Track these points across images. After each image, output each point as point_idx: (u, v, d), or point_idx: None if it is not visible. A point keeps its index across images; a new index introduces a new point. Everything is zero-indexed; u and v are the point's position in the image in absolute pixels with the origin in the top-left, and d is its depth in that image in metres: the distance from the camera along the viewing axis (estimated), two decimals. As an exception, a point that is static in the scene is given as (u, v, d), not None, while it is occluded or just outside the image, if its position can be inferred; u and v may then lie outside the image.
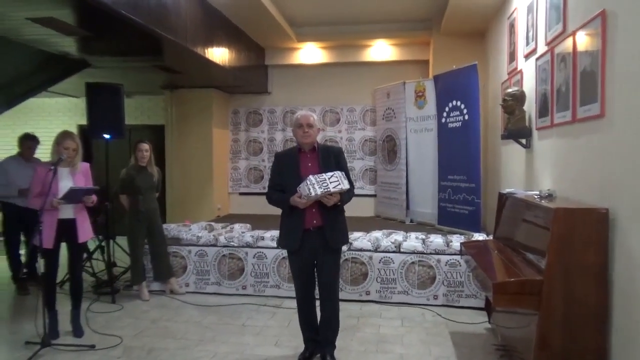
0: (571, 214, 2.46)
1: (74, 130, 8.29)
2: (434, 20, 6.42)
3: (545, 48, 3.56)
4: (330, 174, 3.00)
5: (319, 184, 2.95)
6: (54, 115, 8.70)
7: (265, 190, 3.38)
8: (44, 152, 5.10)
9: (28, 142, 5.06)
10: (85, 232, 3.84)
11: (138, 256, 4.77)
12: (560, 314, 2.41)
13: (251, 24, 6.25)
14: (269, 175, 3.42)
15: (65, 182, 3.67)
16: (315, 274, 3.24)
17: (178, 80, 6.84)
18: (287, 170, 3.18)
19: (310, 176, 2.98)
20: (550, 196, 2.93)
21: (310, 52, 7.42)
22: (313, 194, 2.93)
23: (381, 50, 7.21)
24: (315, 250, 3.14)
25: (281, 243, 3.32)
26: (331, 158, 3.17)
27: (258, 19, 6.01)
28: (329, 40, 7.11)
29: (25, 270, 5.03)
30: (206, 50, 5.26)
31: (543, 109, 3.59)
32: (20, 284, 5.01)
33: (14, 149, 5.18)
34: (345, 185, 3.01)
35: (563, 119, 3.14)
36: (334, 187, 2.96)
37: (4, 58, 4.89)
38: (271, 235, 4.94)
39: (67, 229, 3.70)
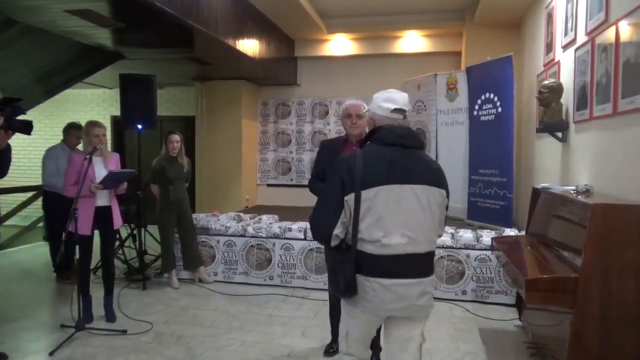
0: (610, 211, 2.37)
1: (107, 120, 8.53)
2: (467, 11, 6.27)
3: (586, 38, 3.43)
4: None
5: None
6: (89, 105, 8.94)
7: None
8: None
9: (75, 130, 5.11)
10: (119, 219, 3.94)
11: (169, 245, 4.86)
12: (596, 313, 2.33)
13: (281, 15, 6.24)
14: (313, 163, 3.33)
15: (100, 170, 3.77)
16: None
17: (209, 72, 6.91)
18: (330, 160, 3.14)
19: None
20: (587, 192, 2.83)
21: (340, 44, 7.36)
22: None
23: (412, 41, 7.09)
24: None
25: (333, 255, 3.29)
26: None
27: (288, 10, 6.00)
28: (359, 31, 7.04)
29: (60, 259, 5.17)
30: (236, 42, 5.28)
31: (581, 102, 3.46)
32: (62, 273, 5.15)
33: (52, 138, 5.34)
34: None
35: (603, 111, 3.02)
36: None
37: (44, 49, 5.03)
38: (298, 227, 4.96)
39: (102, 216, 3.80)
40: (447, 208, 2.03)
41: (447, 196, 2.00)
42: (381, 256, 1.86)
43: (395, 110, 1.98)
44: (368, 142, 2.02)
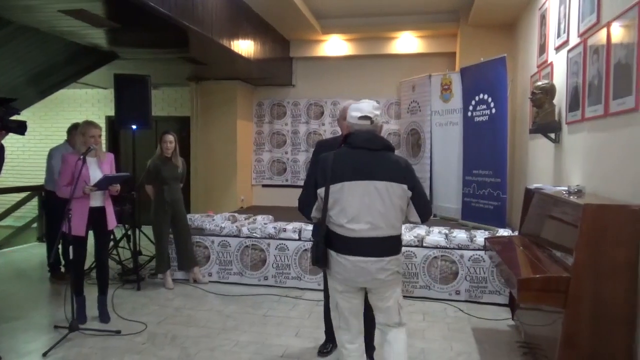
0: (601, 211, 2.39)
1: (102, 120, 8.49)
2: (461, 12, 6.30)
3: (578, 40, 3.46)
4: None
5: None
6: (84, 106, 8.90)
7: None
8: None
9: None
10: (113, 220, 3.93)
11: (163, 245, 4.85)
12: (587, 313, 2.35)
13: (276, 15, 6.25)
14: (309, 163, 3.34)
15: (94, 171, 3.76)
16: None
17: (204, 72, 6.90)
18: None
19: None
20: (579, 192, 2.85)
21: (335, 45, 7.38)
22: None
23: (407, 42, 7.12)
24: None
25: (314, 233, 3.32)
26: None
27: (283, 11, 6.00)
28: (354, 32, 7.05)
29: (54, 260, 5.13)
30: (231, 42, 5.28)
31: (574, 103, 3.49)
32: (58, 273, 5.12)
33: (46, 138, 5.31)
34: None
35: (595, 113, 3.04)
36: None
37: (38, 49, 5.00)
38: (293, 227, 4.96)
39: (96, 216, 3.79)
40: (414, 199, 2.38)
41: (411, 189, 2.36)
42: (348, 238, 2.31)
43: (362, 118, 2.37)
44: (342, 145, 2.42)
